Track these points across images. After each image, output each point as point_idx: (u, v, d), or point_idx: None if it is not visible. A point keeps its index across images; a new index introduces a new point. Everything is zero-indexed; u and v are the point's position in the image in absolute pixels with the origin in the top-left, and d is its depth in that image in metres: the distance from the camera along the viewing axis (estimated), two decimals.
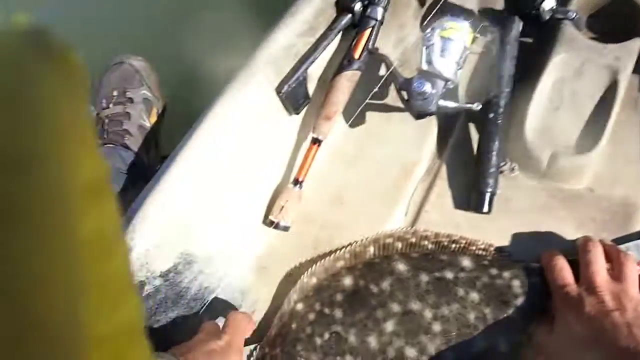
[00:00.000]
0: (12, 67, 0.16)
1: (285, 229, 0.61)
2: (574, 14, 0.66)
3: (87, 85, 0.21)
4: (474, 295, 0.51)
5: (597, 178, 0.62)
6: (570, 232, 0.60)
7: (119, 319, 0.20)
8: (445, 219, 0.63)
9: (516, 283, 0.52)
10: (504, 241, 0.60)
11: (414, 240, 0.56)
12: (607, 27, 0.69)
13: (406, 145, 0.69)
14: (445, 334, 0.50)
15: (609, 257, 0.48)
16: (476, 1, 0.76)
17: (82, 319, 0.16)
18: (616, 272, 0.45)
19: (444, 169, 0.67)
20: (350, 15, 0.64)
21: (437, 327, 0.50)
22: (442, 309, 0.50)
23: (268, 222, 0.61)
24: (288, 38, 0.63)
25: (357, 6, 0.64)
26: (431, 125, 0.70)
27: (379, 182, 0.67)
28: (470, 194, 0.62)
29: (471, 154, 0.66)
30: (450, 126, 0.70)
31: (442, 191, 0.65)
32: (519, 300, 0.52)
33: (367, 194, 0.66)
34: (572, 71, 0.64)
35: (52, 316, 0.14)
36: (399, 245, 0.55)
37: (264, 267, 0.62)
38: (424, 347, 0.49)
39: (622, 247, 0.55)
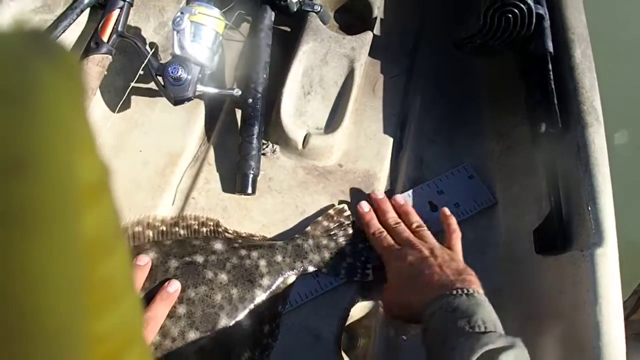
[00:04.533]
0: (12, 68, 0.16)
1: None
2: (319, 7, 0.73)
3: (85, 86, 0.17)
4: (223, 277, 0.54)
5: (345, 155, 0.70)
6: (325, 204, 0.67)
7: (117, 319, 0.20)
8: (212, 204, 0.64)
9: (262, 263, 0.57)
10: (269, 218, 0.64)
11: (164, 228, 0.55)
12: (349, 21, 0.79)
13: (172, 133, 0.68)
14: (189, 315, 0.51)
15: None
16: None
17: (80, 318, 0.16)
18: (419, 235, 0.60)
19: (211, 153, 0.68)
20: None
21: (181, 310, 0.51)
22: (188, 291, 0.52)
23: None
24: (17, 15, 0.56)
25: None
26: (197, 110, 0.70)
27: (144, 172, 0.64)
28: (236, 177, 0.65)
29: (237, 138, 0.68)
30: (216, 111, 0.71)
31: (210, 176, 0.66)
32: (265, 279, 0.56)
33: (132, 185, 0.63)
34: (319, 59, 0.71)
35: (49, 315, 0.14)
36: (150, 233, 0.54)
37: None
38: (167, 330, 0.49)
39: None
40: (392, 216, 0.62)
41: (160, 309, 0.50)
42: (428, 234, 0.60)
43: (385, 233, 0.60)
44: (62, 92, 0.18)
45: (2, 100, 0.15)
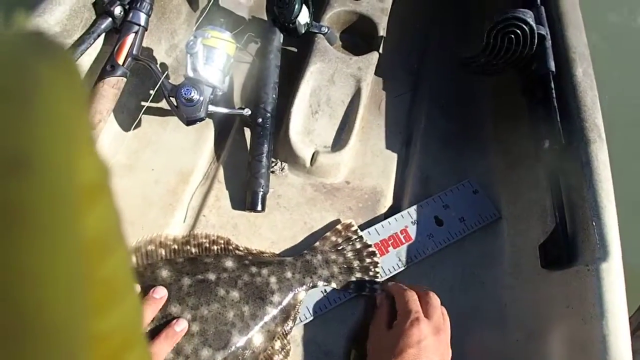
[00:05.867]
0: (11, 67, 0.16)
1: None
2: (326, 29, 0.75)
3: (84, 86, 0.18)
4: (235, 294, 0.54)
5: (351, 172, 0.72)
6: (333, 220, 0.68)
7: (118, 318, 0.20)
8: (223, 221, 0.65)
9: (273, 279, 0.58)
10: (278, 235, 0.65)
11: (176, 246, 0.57)
12: (355, 42, 0.81)
13: (183, 151, 0.69)
14: (202, 333, 0.52)
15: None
16: (247, 11, 0.81)
17: (80, 317, 0.16)
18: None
19: (221, 172, 0.69)
20: (110, 19, 0.62)
21: (195, 327, 0.52)
22: (202, 309, 0.52)
23: None
24: None
25: (117, 10, 0.62)
26: (208, 129, 0.72)
27: (156, 190, 0.66)
28: (246, 194, 0.66)
29: (246, 157, 0.70)
30: (226, 130, 0.73)
31: (220, 194, 0.67)
32: (275, 296, 0.57)
33: (144, 203, 0.65)
34: (326, 79, 0.72)
35: (49, 315, 0.14)
36: (162, 252, 0.55)
37: None
38: (180, 348, 0.50)
39: (366, 231, 0.65)
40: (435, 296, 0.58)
41: (163, 347, 0.50)
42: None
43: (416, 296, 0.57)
44: (61, 92, 0.18)
45: (1, 100, 0.15)
